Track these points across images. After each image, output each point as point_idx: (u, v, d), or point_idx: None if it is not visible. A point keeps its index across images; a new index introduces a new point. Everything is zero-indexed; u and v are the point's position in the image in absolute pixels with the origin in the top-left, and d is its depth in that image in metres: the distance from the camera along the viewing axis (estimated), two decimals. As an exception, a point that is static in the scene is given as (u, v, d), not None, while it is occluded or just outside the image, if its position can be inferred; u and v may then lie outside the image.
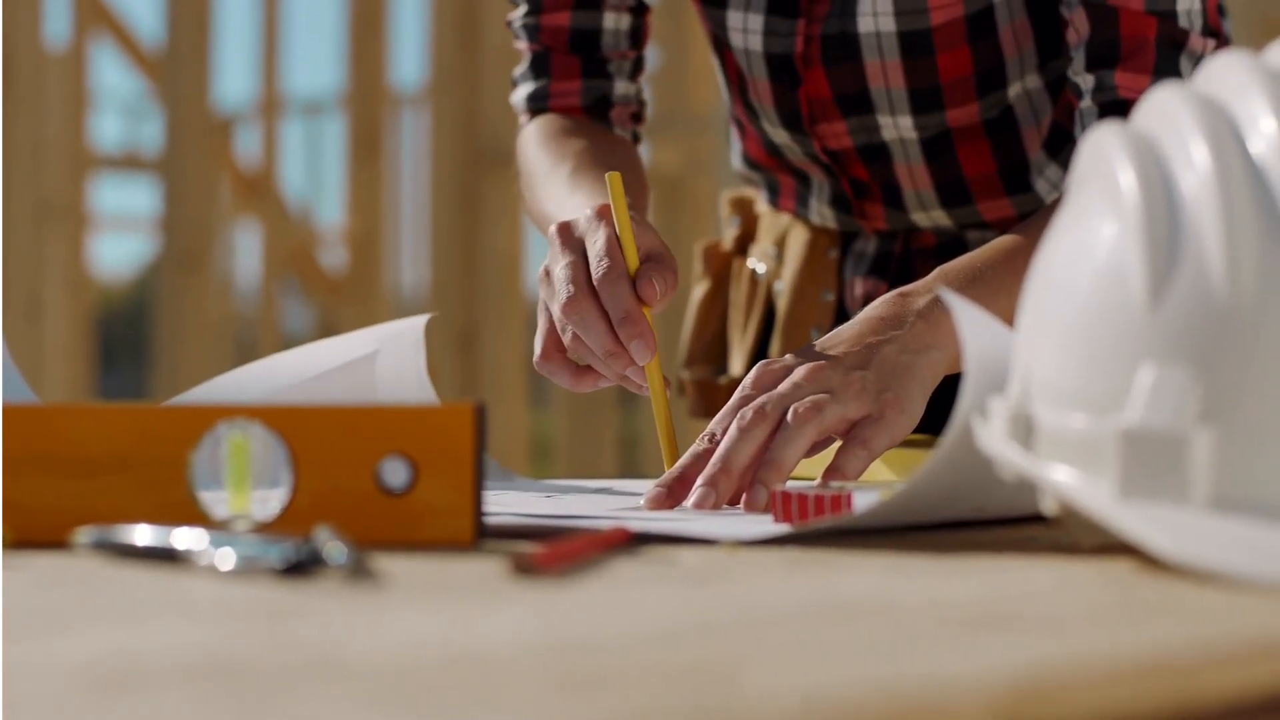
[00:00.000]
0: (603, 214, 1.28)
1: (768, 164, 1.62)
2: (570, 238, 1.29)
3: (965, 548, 0.92)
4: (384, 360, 1.32)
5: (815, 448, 1.20)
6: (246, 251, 6.01)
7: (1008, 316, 1.29)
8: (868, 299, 1.59)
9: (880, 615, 0.71)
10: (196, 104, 5.20)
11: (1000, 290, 1.30)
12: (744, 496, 1.15)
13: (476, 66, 5.15)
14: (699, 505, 1.13)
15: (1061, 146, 1.51)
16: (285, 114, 5.92)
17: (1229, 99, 0.87)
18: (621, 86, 1.57)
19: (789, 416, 1.17)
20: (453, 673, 0.59)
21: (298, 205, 6.23)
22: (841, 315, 1.61)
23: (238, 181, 5.82)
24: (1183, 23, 1.37)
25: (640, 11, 1.58)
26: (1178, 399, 0.81)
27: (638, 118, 1.59)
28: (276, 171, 5.74)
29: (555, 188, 1.47)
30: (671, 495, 1.16)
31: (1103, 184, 0.87)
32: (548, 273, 1.29)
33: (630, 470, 5.58)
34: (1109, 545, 0.87)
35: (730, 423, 1.18)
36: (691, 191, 5.07)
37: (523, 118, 1.59)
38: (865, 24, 1.46)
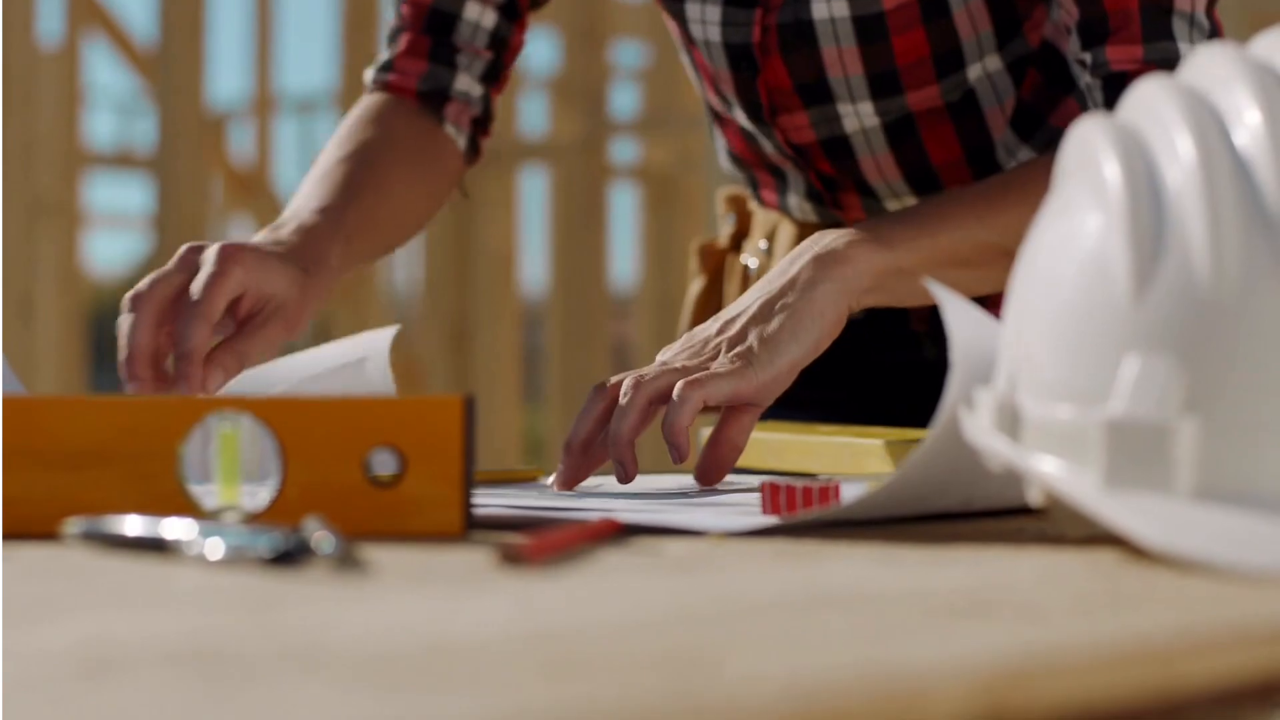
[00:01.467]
0: (220, 255, 1.30)
1: (747, 158, 1.62)
2: (187, 258, 1.31)
3: (951, 538, 0.93)
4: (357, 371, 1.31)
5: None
6: (239, 249, 6.00)
7: (944, 251, 1.32)
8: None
9: (864, 604, 0.72)
10: (189, 102, 5.20)
11: (929, 223, 1.33)
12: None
13: (469, 64, 5.16)
14: (566, 486, 1.22)
15: (1033, 128, 1.51)
16: (278, 112, 5.92)
17: (1213, 91, 0.87)
18: (464, 82, 1.54)
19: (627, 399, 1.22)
20: (436, 659, 0.59)
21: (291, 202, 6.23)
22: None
23: (231, 179, 5.82)
24: None
25: (511, 16, 1.56)
26: (1162, 390, 0.81)
27: (479, 125, 1.56)
28: (270, 169, 5.74)
29: (324, 160, 1.48)
30: (576, 468, 1.22)
31: (1088, 176, 0.87)
32: (163, 271, 1.31)
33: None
34: (1094, 536, 0.87)
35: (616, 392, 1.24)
36: (684, 189, 5.08)
37: (366, 92, 1.57)
38: (819, 10, 1.46)
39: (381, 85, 1.55)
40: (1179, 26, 1.38)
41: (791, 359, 1.27)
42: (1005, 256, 1.33)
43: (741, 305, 1.29)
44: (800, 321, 1.27)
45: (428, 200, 1.55)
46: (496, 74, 1.57)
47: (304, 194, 1.45)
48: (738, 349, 1.26)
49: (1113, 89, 1.38)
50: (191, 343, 1.26)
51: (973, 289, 1.36)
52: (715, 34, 1.52)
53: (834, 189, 1.57)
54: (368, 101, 1.54)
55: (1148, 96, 0.88)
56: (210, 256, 1.30)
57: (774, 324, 1.27)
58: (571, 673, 0.56)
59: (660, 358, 1.29)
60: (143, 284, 1.30)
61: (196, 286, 1.28)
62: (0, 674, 0.57)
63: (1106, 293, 0.84)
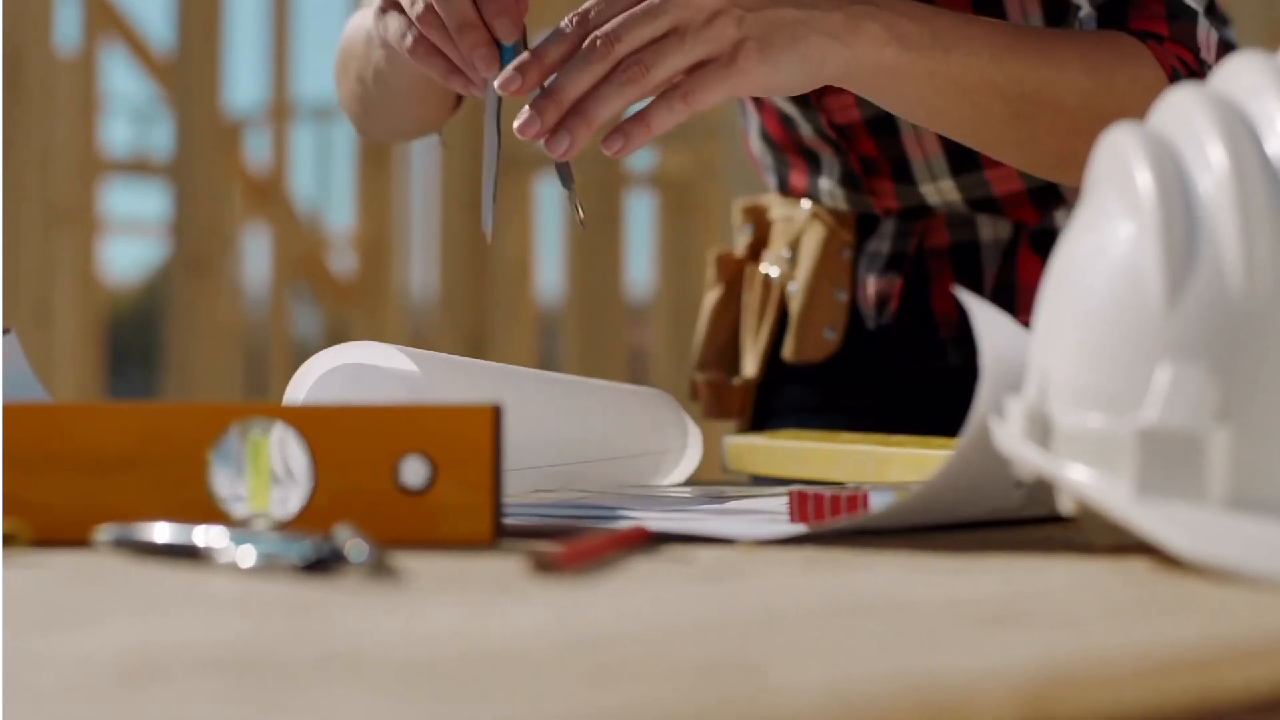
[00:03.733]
0: None
1: (781, 141, 1.61)
2: None
3: (980, 547, 0.93)
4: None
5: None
6: (256, 256, 6.01)
7: (958, 71, 1.26)
8: (880, 298, 1.60)
9: (899, 611, 0.72)
10: (206, 109, 5.21)
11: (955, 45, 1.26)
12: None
13: (486, 72, 5.16)
14: (521, 129, 1.16)
15: None
16: (295, 119, 5.93)
17: (1245, 99, 0.87)
18: None
19: (619, 71, 1.16)
20: (478, 666, 0.59)
21: (307, 210, 6.24)
22: (854, 315, 1.61)
23: (247, 186, 5.83)
24: None
25: None
26: (1195, 398, 0.81)
27: None
28: (286, 176, 5.75)
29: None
30: (524, 78, 1.17)
31: (1119, 185, 0.87)
32: None
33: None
34: (1124, 544, 0.87)
35: (596, 13, 1.18)
36: (701, 197, 5.08)
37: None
38: None
39: None
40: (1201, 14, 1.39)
41: (778, 81, 1.20)
42: (1000, 101, 1.29)
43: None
44: (808, 46, 1.20)
45: (437, 111, 1.49)
46: None
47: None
48: (735, 32, 1.18)
49: (1116, 6, 1.37)
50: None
51: (956, 122, 1.31)
52: None
53: (871, 172, 1.57)
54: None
55: (1179, 105, 0.88)
56: None
57: (783, 32, 1.19)
58: (616, 679, 0.56)
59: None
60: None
61: None
62: (41, 681, 0.57)
63: (1139, 301, 0.84)
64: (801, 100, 1.54)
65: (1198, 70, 1.37)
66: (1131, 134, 0.88)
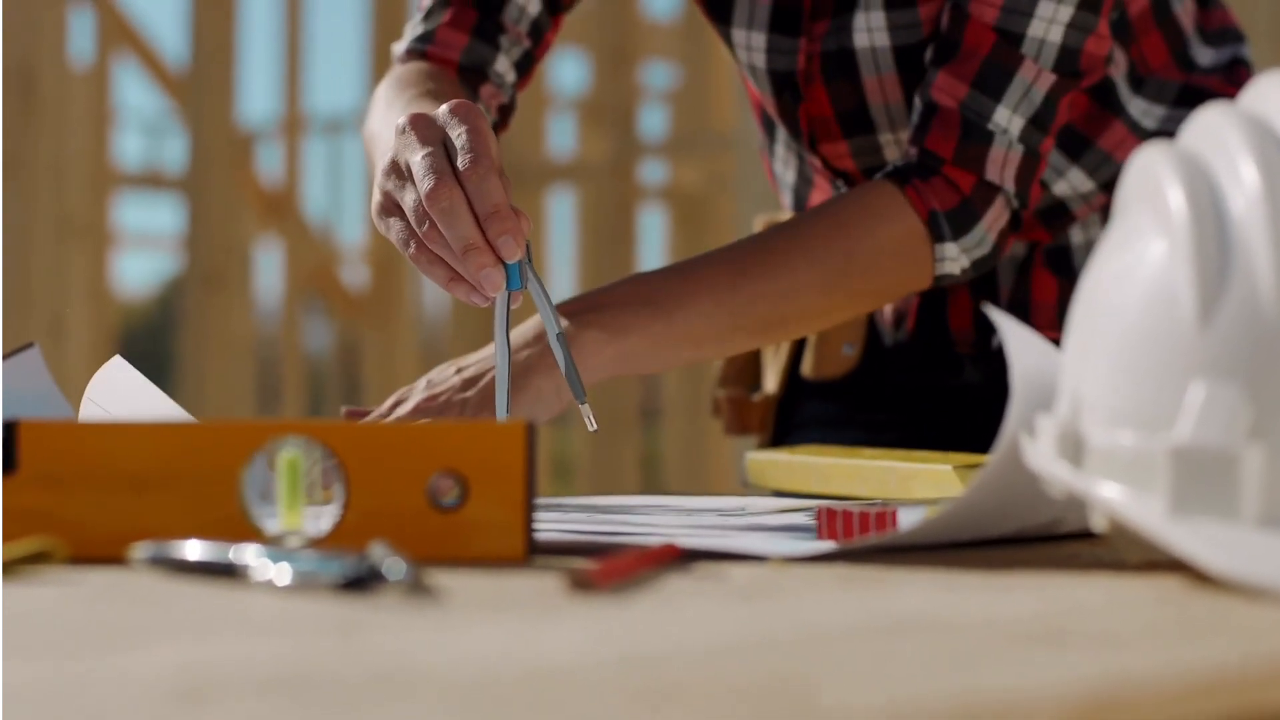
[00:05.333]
0: (460, 110, 1.23)
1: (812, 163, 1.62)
2: (428, 129, 1.23)
3: (1011, 564, 0.93)
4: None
5: None
6: (268, 269, 6.01)
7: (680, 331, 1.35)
8: (897, 315, 1.60)
9: (938, 630, 0.72)
10: (219, 122, 5.22)
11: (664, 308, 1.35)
12: None
13: (498, 85, 5.16)
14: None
15: (1080, 150, 1.52)
16: (307, 132, 5.94)
17: (1276, 118, 0.87)
18: (502, 65, 1.51)
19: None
20: (529, 686, 0.59)
21: (320, 223, 6.25)
22: (872, 332, 1.62)
23: (260, 199, 5.83)
24: (1025, 49, 1.39)
25: (552, 10, 1.53)
26: (1228, 416, 0.81)
27: (504, 113, 1.53)
28: (299, 189, 5.76)
29: (398, 108, 1.40)
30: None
31: (1152, 203, 0.88)
32: (397, 165, 1.23)
33: (652, 489, 5.57)
34: (1154, 561, 0.88)
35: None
36: (713, 210, 5.08)
37: (396, 62, 1.53)
38: (861, 39, 1.48)
39: (419, 54, 1.51)
40: (1016, 89, 1.39)
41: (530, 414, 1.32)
42: (740, 333, 1.38)
43: (480, 368, 1.35)
44: (518, 404, 1.31)
45: None
46: (528, 65, 1.54)
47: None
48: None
49: (926, 114, 1.41)
50: (496, 198, 1.20)
51: (709, 357, 1.43)
52: (760, 60, 1.53)
53: None
54: (403, 69, 1.49)
55: (1211, 124, 0.88)
56: (450, 116, 1.22)
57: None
58: (669, 701, 0.56)
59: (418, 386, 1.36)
60: (423, 178, 1.20)
61: (464, 142, 1.21)
62: (92, 702, 0.57)
63: (1171, 319, 0.84)
64: (799, 144, 1.56)
65: (972, 196, 1.40)
66: (1162, 153, 0.88)
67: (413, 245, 1.23)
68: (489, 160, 1.20)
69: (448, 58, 1.50)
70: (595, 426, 1.26)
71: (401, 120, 1.23)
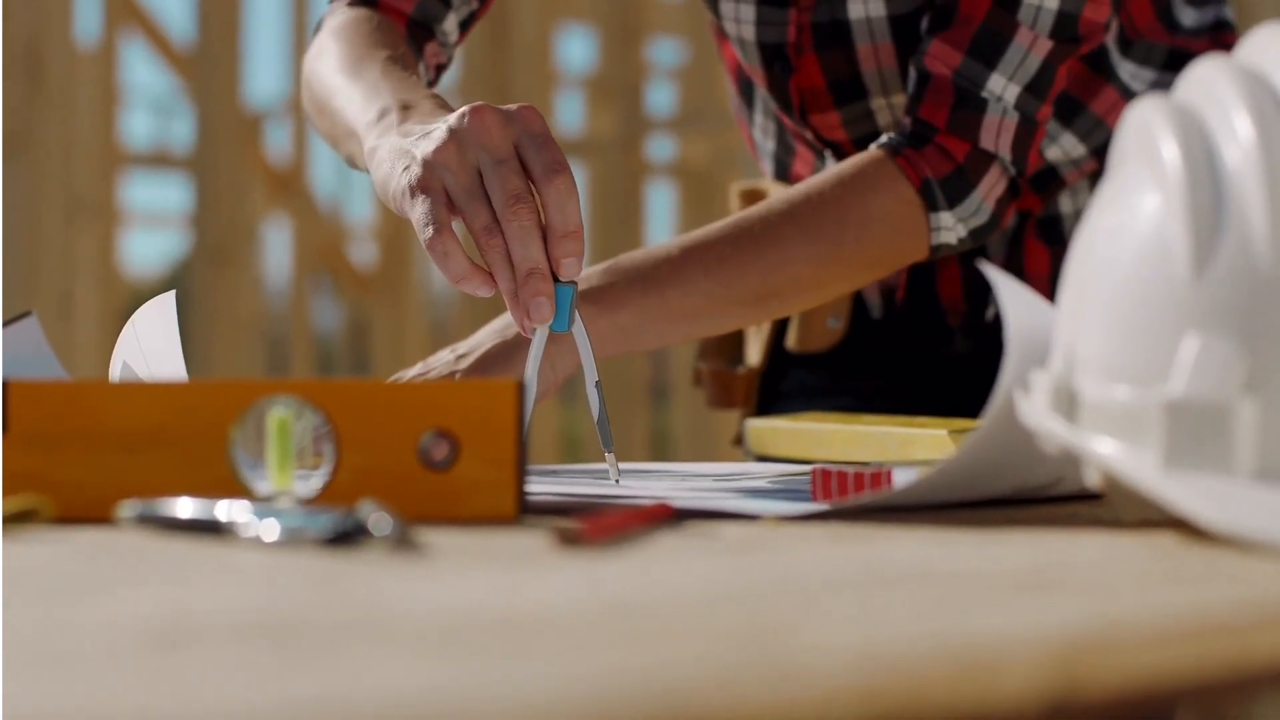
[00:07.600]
0: (533, 116, 1.17)
1: (793, 130, 1.61)
2: (503, 129, 1.16)
3: (1006, 522, 0.92)
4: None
5: None
6: (277, 248, 6.01)
7: (669, 310, 1.34)
8: (886, 287, 1.59)
9: (928, 580, 0.71)
10: (227, 101, 5.21)
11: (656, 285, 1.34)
12: None
13: (505, 64, 5.16)
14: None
15: (1073, 115, 1.51)
16: (315, 110, 5.92)
17: (1270, 71, 0.87)
18: (450, 23, 1.48)
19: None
20: (506, 631, 0.59)
21: (328, 201, 6.24)
22: (858, 304, 1.61)
23: (268, 178, 5.83)
24: (1021, 15, 1.38)
25: None
26: (1222, 369, 0.81)
27: (439, 72, 1.49)
28: (307, 168, 5.75)
29: (373, 71, 1.34)
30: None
31: (1146, 157, 0.87)
32: (460, 154, 1.16)
33: (660, 466, 5.55)
34: (1151, 519, 0.87)
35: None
36: (721, 186, 5.07)
37: (338, 5, 1.48)
38: (855, 10, 1.47)
39: (368, 2, 1.47)
40: (1013, 55, 1.38)
41: None
42: (733, 305, 1.37)
43: (474, 345, 1.34)
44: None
45: None
46: (469, 25, 1.51)
47: (388, 88, 1.33)
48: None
49: (920, 83, 1.40)
50: (576, 220, 1.16)
51: (703, 334, 1.43)
52: (750, 33, 1.52)
53: None
54: (347, 18, 1.45)
55: (1205, 77, 0.88)
56: (524, 121, 1.17)
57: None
58: (647, 642, 0.55)
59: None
60: (496, 169, 1.15)
61: (548, 162, 1.15)
62: (70, 646, 0.57)
63: (1165, 273, 0.83)
64: (790, 116, 1.55)
65: (966, 164, 1.39)
66: (1157, 106, 0.87)
67: (431, 229, 1.16)
68: (571, 178, 1.16)
69: (400, 8, 1.46)
70: (619, 479, 1.19)
71: (465, 109, 1.18)
